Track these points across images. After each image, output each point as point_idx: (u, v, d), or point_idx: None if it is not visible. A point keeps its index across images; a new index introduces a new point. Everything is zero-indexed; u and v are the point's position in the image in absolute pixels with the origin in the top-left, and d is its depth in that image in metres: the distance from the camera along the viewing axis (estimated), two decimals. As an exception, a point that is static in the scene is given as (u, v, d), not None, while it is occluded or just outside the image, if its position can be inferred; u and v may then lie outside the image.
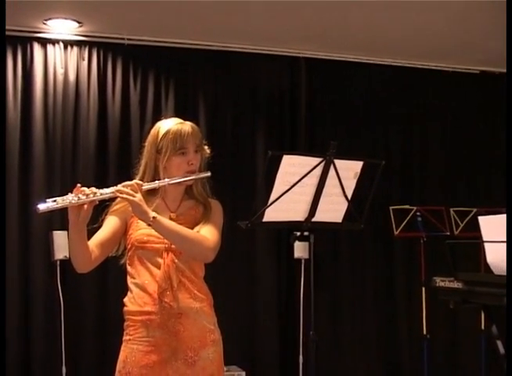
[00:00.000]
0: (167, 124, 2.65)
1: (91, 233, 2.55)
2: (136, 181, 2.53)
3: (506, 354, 2.86)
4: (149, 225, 2.46)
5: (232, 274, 5.44)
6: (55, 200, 2.36)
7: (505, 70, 6.26)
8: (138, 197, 2.43)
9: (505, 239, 3.34)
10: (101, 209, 2.60)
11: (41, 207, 2.36)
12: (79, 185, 2.42)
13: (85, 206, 2.40)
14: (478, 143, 6.30)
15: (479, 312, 5.35)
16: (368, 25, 5.09)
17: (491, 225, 3.56)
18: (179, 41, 5.40)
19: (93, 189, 2.42)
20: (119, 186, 2.44)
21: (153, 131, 2.69)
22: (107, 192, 2.44)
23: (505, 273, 3.42)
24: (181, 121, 2.68)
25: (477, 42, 5.55)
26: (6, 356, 4.81)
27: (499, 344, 3.73)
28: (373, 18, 4.93)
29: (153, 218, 2.44)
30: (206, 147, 2.72)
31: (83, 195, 2.38)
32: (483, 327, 5.59)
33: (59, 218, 4.68)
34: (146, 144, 2.69)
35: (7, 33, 4.95)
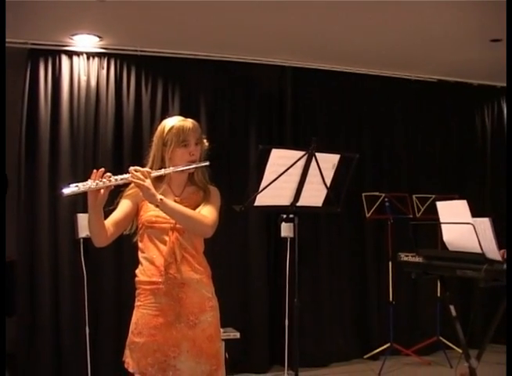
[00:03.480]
0: (172, 121, 2.64)
1: (107, 214, 2.54)
2: (146, 169, 2.50)
3: (507, 343, 2.85)
4: (156, 206, 2.43)
5: (229, 250, 5.43)
6: (77, 186, 2.35)
7: (459, 80, 6.27)
8: (148, 182, 2.41)
9: (458, 221, 3.32)
10: (116, 193, 2.58)
11: (66, 191, 2.33)
12: (95, 170, 2.39)
13: (102, 191, 2.38)
14: (436, 141, 6.28)
15: (436, 282, 5.37)
16: (344, 39, 5.05)
17: (446, 209, 3.55)
18: (184, 53, 5.33)
19: (109, 174, 2.40)
20: (131, 169, 2.42)
21: (159, 127, 2.66)
22: (121, 178, 2.42)
23: (458, 249, 3.42)
24: (183, 118, 2.67)
25: (435, 55, 5.51)
26: (41, 319, 4.83)
27: (452, 308, 3.75)
28: (349, 33, 4.90)
29: (160, 199, 2.41)
30: (205, 141, 2.71)
31: (100, 181, 2.36)
32: (439, 294, 5.63)
33: (82, 202, 4.64)
34: (154, 138, 2.66)
35: (40, 47, 4.97)
